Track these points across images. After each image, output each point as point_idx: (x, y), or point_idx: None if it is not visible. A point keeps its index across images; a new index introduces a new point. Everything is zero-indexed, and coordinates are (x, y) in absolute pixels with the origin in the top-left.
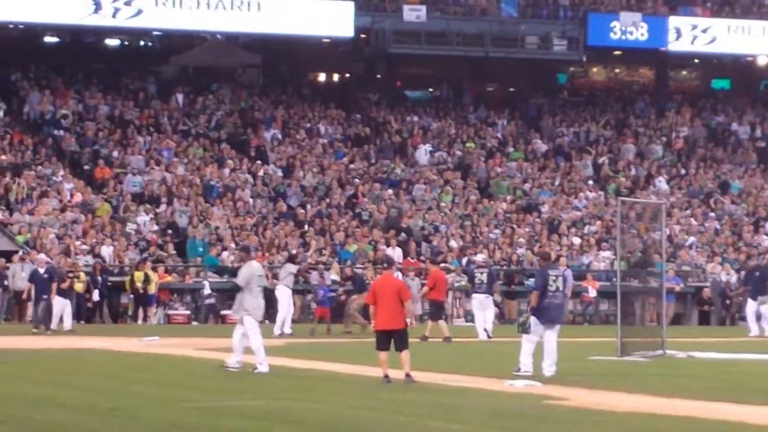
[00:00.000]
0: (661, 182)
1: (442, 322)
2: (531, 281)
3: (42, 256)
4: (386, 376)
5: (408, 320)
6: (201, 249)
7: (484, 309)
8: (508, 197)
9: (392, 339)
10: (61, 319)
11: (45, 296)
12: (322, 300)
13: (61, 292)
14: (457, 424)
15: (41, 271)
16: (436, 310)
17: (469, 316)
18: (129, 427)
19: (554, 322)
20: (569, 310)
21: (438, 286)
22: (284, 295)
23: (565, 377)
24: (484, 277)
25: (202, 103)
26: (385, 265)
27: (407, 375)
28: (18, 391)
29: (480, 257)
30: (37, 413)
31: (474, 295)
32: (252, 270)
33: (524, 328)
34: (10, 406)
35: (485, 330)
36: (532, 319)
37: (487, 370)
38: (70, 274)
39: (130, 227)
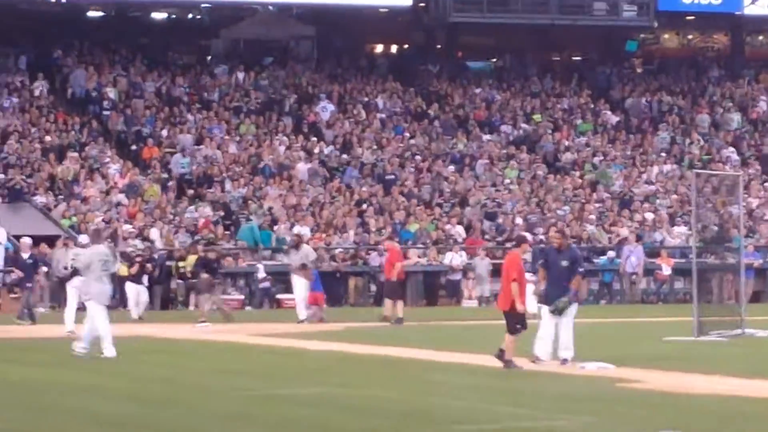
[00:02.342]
0: (736, 153)
1: (398, 302)
2: (602, 259)
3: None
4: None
5: (518, 306)
6: (255, 231)
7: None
8: (577, 172)
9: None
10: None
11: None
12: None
13: (132, 278)
14: (525, 409)
15: (25, 257)
16: (399, 290)
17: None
18: (180, 416)
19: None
20: (642, 289)
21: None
22: (295, 282)
23: (640, 359)
24: (528, 256)
25: (254, 78)
26: (518, 243)
27: (500, 350)
28: (69, 380)
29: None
30: (90, 403)
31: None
32: (93, 254)
33: (561, 312)
34: (57, 395)
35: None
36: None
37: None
38: (138, 258)
39: (180, 210)
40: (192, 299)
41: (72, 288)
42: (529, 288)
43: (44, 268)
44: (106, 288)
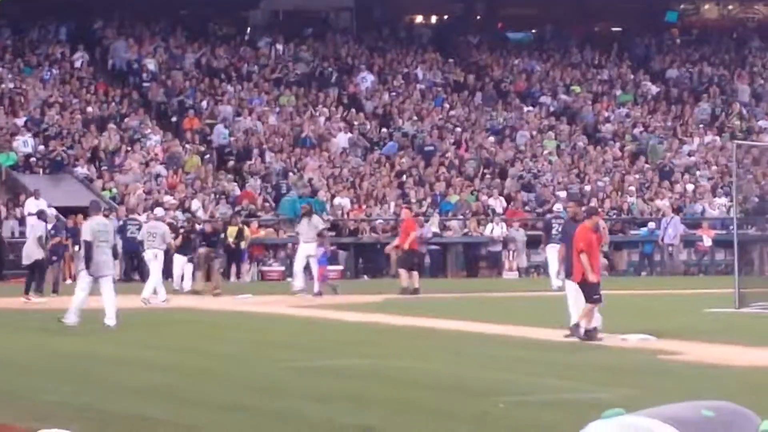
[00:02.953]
0: None
1: (413, 273)
2: (642, 231)
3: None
4: (592, 329)
5: (589, 276)
6: (296, 204)
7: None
8: (617, 143)
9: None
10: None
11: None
12: (320, 259)
13: (178, 250)
14: (569, 381)
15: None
16: (410, 260)
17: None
18: (222, 388)
19: None
20: (683, 261)
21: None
22: (300, 252)
23: (681, 331)
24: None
25: (294, 50)
26: (589, 215)
27: (576, 325)
28: (109, 352)
29: (557, 207)
30: (130, 374)
31: (550, 245)
32: (92, 225)
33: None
34: (101, 367)
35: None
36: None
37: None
38: (182, 230)
39: (221, 181)
40: (233, 270)
41: (151, 260)
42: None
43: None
44: (106, 258)
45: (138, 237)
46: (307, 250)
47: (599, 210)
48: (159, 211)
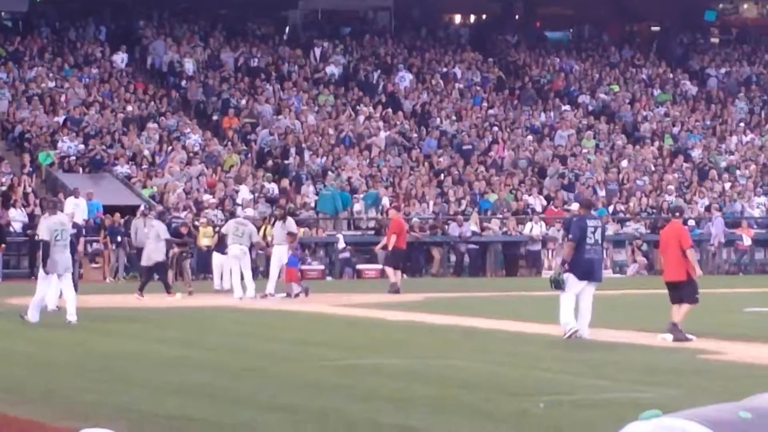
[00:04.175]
0: None
1: (397, 272)
2: None
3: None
4: (674, 324)
5: (697, 271)
6: (335, 196)
7: None
8: (656, 143)
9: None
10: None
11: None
12: (290, 261)
13: (217, 248)
14: (607, 380)
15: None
16: (400, 258)
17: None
18: (263, 387)
19: (592, 278)
20: (723, 260)
21: (401, 233)
22: (274, 255)
23: (721, 330)
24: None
25: (333, 49)
26: (677, 213)
27: (673, 324)
28: (149, 351)
29: (575, 206)
30: (170, 373)
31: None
32: (51, 224)
33: (558, 285)
34: (141, 367)
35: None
36: (569, 275)
37: (638, 323)
38: (218, 229)
39: (259, 179)
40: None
41: (239, 256)
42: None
43: (119, 238)
44: (63, 257)
45: (222, 231)
46: (280, 252)
47: (685, 208)
48: (249, 211)
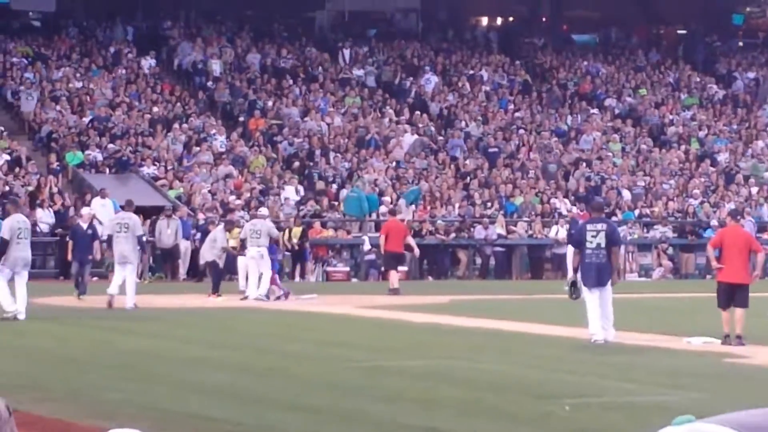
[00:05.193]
0: None
1: (393, 273)
2: (709, 232)
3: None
4: (727, 336)
5: (755, 273)
6: (362, 198)
7: None
8: (682, 146)
9: (734, 294)
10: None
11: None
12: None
13: (242, 251)
14: (633, 383)
15: (84, 226)
16: (391, 261)
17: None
18: (286, 387)
19: (596, 285)
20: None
21: (391, 236)
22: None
23: (747, 334)
24: None
25: (359, 51)
26: (737, 217)
27: (738, 337)
28: (173, 351)
29: (575, 209)
30: (194, 373)
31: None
32: (13, 223)
33: (572, 292)
34: (165, 366)
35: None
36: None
37: (664, 326)
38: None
39: (285, 181)
40: (297, 270)
41: (256, 258)
42: None
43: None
44: (24, 254)
45: (240, 237)
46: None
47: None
48: (263, 210)
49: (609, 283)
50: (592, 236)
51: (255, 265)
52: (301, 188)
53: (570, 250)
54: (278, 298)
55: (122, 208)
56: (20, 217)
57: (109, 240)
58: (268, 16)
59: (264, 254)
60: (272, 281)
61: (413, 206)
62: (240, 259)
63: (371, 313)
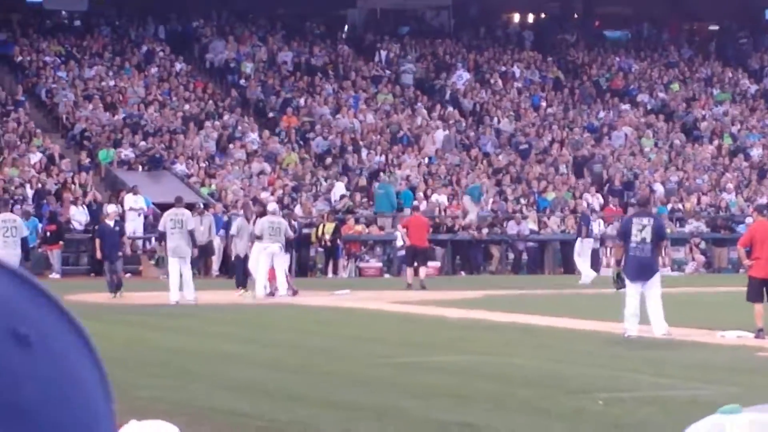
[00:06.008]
0: None
1: (410, 270)
2: (742, 227)
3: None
4: (760, 330)
5: None
6: (391, 195)
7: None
8: (715, 142)
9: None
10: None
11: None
12: None
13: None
14: (666, 378)
15: (111, 224)
16: (412, 256)
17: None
18: (319, 383)
19: (639, 278)
20: None
21: (411, 230)
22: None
23: None
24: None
25: (391, 48)
26: (765, 211)
27: (759, 329)
28: (206, 347)
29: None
30: (227, 370)
31: (586, 240)
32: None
33: (617, 283)
34: (199, 362)
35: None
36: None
37: (697, 320)
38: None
39: (318, 177)
40: (330, 265)
41: (276, 254)
42: None
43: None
44: (10, 252)
45: (256, 232)
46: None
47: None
48: (272, 207)
49: (656, 277)
50: (638, 230)
51: (268, 260)
52: (341, 185)
53: (578, 245)
54: (272, 293)
55: (172, 205)
56: (7, 215)
57: (162, 236)
58: (300, 15)
59: (282, 251)
60: (272, 276)
61: (480, 202)
62: (251, 260)
63: (404, 309)
